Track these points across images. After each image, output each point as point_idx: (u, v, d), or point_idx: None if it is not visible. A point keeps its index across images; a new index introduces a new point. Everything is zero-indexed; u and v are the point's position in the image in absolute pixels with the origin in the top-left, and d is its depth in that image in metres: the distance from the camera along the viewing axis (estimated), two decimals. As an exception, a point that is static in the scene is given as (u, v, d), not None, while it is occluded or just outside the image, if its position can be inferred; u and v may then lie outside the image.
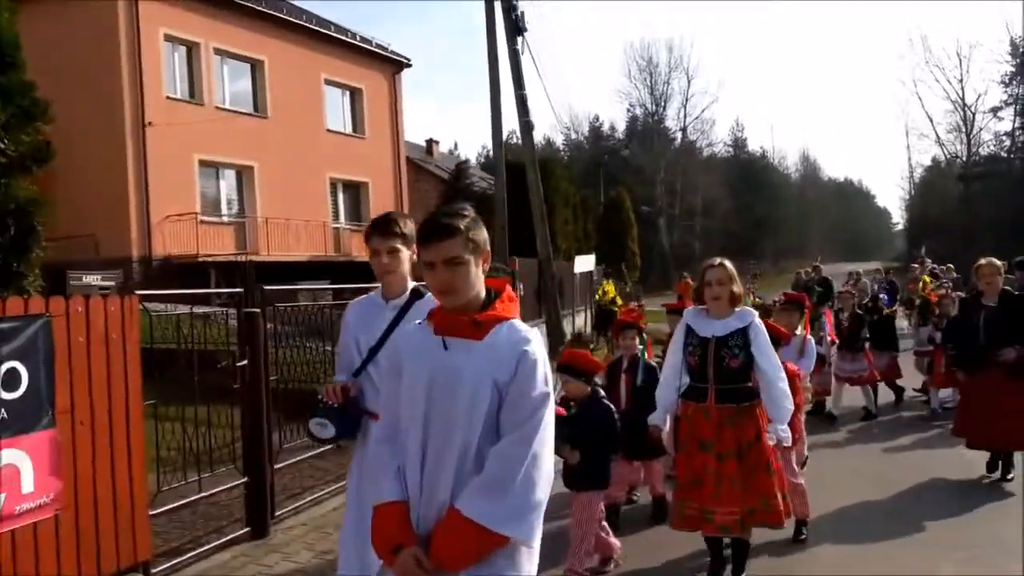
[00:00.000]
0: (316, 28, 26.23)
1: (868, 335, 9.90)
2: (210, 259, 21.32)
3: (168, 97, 21.87)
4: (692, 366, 4.61)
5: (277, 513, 5.85)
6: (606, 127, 67.42)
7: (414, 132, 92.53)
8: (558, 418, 4.42)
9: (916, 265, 17.21)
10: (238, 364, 5.52)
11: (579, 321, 18.18)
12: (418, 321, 2.46)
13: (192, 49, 22.79)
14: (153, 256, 21.23)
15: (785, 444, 4.66)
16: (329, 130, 26.97)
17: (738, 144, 75.15)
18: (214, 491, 5.54)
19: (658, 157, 58.48)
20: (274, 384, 6.14)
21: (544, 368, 2.25)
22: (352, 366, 3.45)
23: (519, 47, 15.97)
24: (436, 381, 2.27)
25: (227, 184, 24.12)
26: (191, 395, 5.69)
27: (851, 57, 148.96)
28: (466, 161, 32.85)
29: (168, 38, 21.95)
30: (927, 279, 12.21)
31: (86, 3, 20.61)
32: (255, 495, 5.57)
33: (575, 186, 30.97)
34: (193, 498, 5.39)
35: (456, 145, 66.27)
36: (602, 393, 4.98)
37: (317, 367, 9.17)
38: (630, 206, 37.05)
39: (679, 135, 64.10)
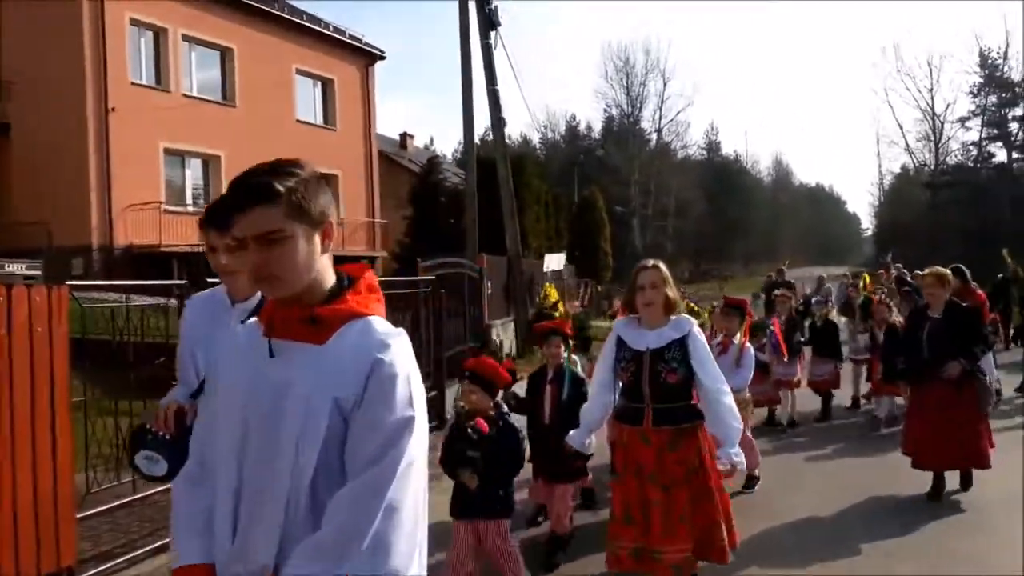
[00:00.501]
0: (288, 17, 25.81)
1: (803, 339, 9.65)
2: (173, 250, 20.85)
3: (133, 83, 21.36)
4: (625, 383, 4.10)
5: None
6: (583, 127, 67.50)
7: (389, 126, 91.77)
8: (468, 439, 4.05)
9: (882, 272, 17.11)
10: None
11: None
12: (251, 319, 1.86)
13: (160, 34, 22.28)
14: (115, 245, 20.72)
15: (740, 469, 4.21)
16: (299, 120, 26.55)
17: (712, 147, 75.60)
18: (151, 492, 5.26)
19: (633, 158, 58.60)
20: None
21: (408, 385, 1.65)
22: (191, 384, 2.79)
23: (492, 42, 15.73)
24: (255, 400, 1.67)
25: (193, 173, 23.65)
26: (131, 390, 5.44)
27: (825, 64, 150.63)
28: (438, 155, 32.53)
29: (134, 22, 21.42)
30: (867, 276, 11.97)
31: (50, -16, 20.10)
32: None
33: (548, 184, 30.81)
34: (128, 499, 5.12)
35: (432, 140, 65.82)
36: (506, 409, 4.46)
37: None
38: (603, 205, 36.95)
39: (654, 136, 64.34)
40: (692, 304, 9.11)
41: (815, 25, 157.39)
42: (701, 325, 6.48)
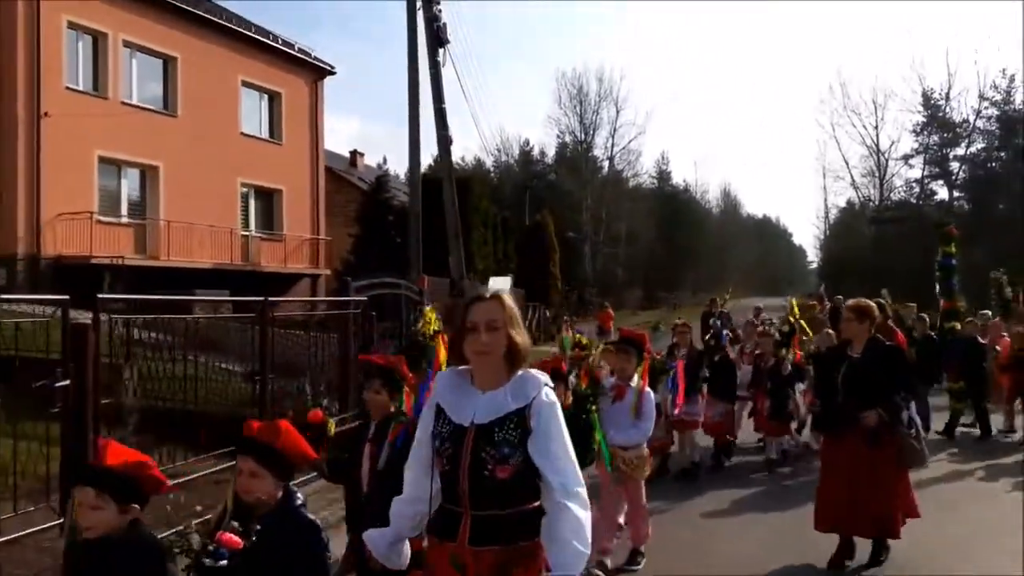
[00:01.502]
0: (235, 28, 25.24)
1: (705, 376, 8.99)
2: (104, 261, 20.01)
3: (69, 88, 20.59)
4: (441, 474, 2.71)
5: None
6: (536, 152, 67.51)
7: (342, 144, 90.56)
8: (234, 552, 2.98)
9: (814, 302, 16.95)
10: (57, 384, 4.75)
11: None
12: None
13: (99, 39, 21.55)
14: (42, 255, 19.82)
15: None
16: (244, 133, 25.92)
17: (663, 176, 76.28)
18: (20, 534, 4.72)
19: (585, 184, 58.80)
20: (137, 403, 5.38)
21: None
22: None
23: (440, 60, 15.45)
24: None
25: (129, 183, 22.84)
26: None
27: (774, 98, 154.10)
28: (386, 173, 32.09)
29: (72, 26, 20.69)
30: (794, 302, 11.08)
31: (-18, -19, 19.33)
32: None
33: (499, 207, 30.52)
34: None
35: (385, 160, 65.05)
36: (299, 500, 3.14)
37: (188, 384, 8.40)
38: (554, 230, 36.79)
39: (606, 164, 64.71)
40: (579, 335, 7.74)
41: (765, 60, 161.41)
42: (582, 365, 5.65)
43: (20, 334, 5.19)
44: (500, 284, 13.86)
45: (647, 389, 5.77)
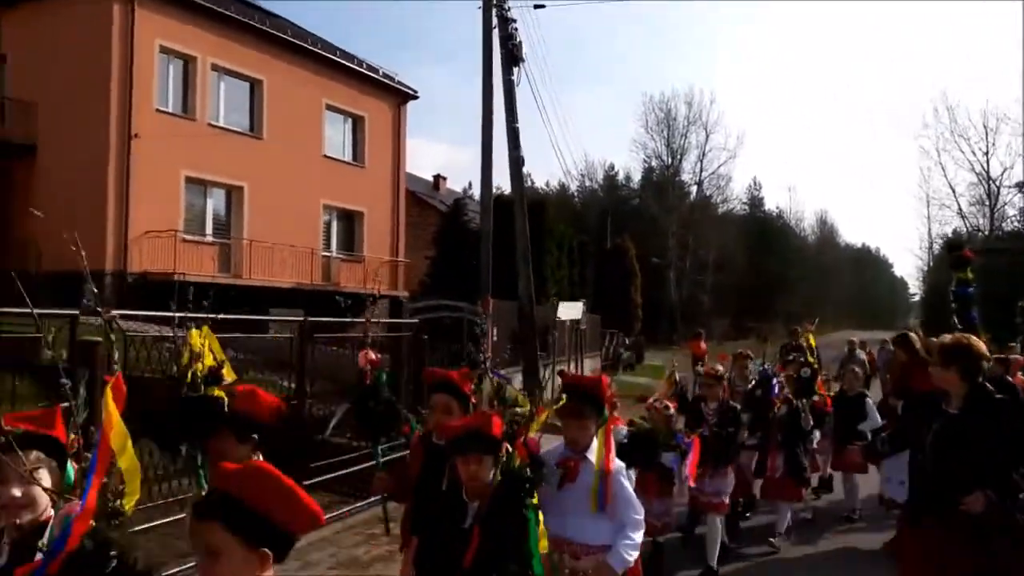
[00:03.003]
0: (321, 52, 25.67)
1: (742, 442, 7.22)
2: (187, 279, 20.40)
3: (159, 110, 21.22)
4: None
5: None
6: (621, 176, 66.82)
7: (425, 167, 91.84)
8: None
9: (914, 336, 14.69)
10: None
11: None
12: None
13: (189, 63, 22.19)
14: (128, 271, 20.36)
15: None
16: (326, 156, 26.26)
17: (754, 203, 74.29)
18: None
19: (672, 209, 57.71)
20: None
21: None
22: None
23: (515, 78, 15.13)
24: None
25: (214, 203, 23.34)
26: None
27: (875, 122, 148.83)
28: (465, 196, 31.99)
29: (164, 50, 21.36)
30: (810, 335, 9.19)
31: (82, 7, 20.14)
32: None
33: (578, 231, 29.90)
34: None
35: (470, 185, 65.51)
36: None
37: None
38: (635, 255, 35.96)
39: (694, 189, 63.44)
40: (515, 390, 4.67)
41: (865, 82, 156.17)
42: (523, 422, 3.93)
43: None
44: (571, 310, 13.33)
45: (614, 466, 3.85)
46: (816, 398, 8.14)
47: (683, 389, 7.87)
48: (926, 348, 8.03)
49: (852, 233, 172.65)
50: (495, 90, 15.49)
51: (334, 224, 27.28)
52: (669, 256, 55.69)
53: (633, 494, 3.86)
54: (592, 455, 3.81)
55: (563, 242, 25.55)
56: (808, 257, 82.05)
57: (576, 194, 61.29)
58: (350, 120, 27.59)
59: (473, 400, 4.06)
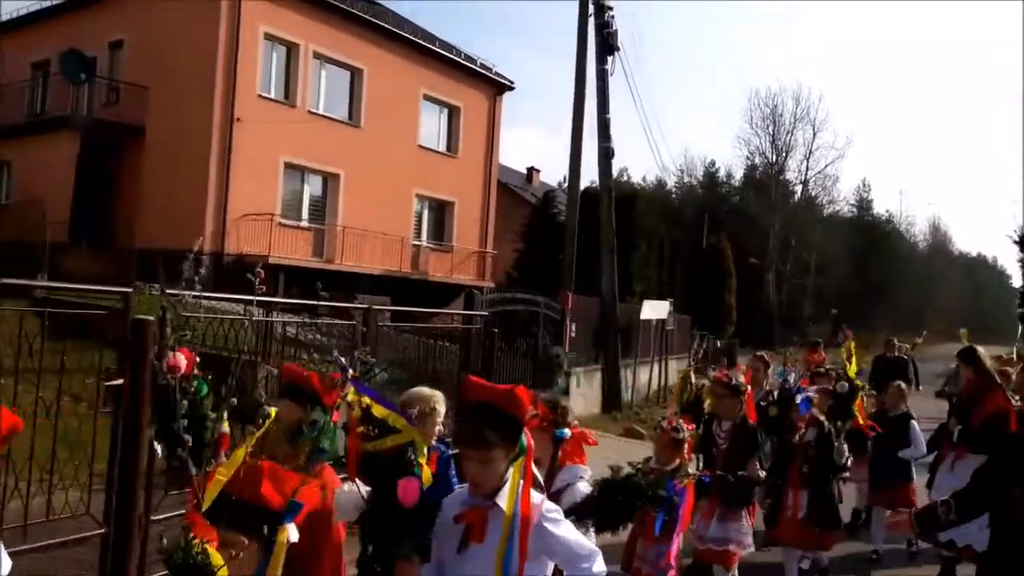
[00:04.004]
0: (420, 42, 25.86)
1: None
2: (281, 262, 20.93)
3: (261, 95, 21.78)
4: None
5: None
6: (722, 173, 65.12)
7: (519, 160, 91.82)
8: None
9: (983, 351, 10.20)
10: (110, 383, 4.47)
11: (643, 375, 16.30)
12: None
13: (292, 50, 22.70)
14: (225, 253, 21.01)
15: None
16: (421, 146, 26.45)
17: (863, 205, 71.22)
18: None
19: (774, 208, 55.80)
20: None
21: None
22: None
23: (608, 67, 14.76)
24: None
25: (311, 189, 23.84)
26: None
27: (994, 124, 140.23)
28: (555, 189, 31.71)
29: (268, 36, 21.90)
30: (852, 345, 6.99)
31: (192, -6, 20.85)
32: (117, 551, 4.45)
33: (673, 228, 29.15)
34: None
35: (565, 179, 65.24)
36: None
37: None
38: (731, 255, 34.91)
39: (799, 188, 61.23)
40: (386, 411, 3.05)
41: (984, 81, 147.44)
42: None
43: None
44: (656, 309, 12.86)
45: (538, 511, 2.71)
46: (859, 420, 6.57)
47: (696, 399, 6.34)
48: (1001, 370, 6.81)
49: (967, 241, 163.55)
50: (588, 80, 15.20)
51: (425, 213, 27.50)
52: (769, 257, 53.94)
53: (576, 533, 2.85)
54: (504, 500, 2.64)
55: (653, 239, 24.95)
56: (917, 264, 78.18)
57: (674, 190, 60.03)
58: (446, 110, 27.72)
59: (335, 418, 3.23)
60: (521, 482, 2.65)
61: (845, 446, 5.89)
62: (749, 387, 5.61)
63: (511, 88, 29.68)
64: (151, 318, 4.68)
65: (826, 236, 59.93)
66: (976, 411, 6.13)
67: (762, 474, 5.36)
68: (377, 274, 23.16)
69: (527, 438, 2.73)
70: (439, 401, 3.90)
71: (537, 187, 38.63)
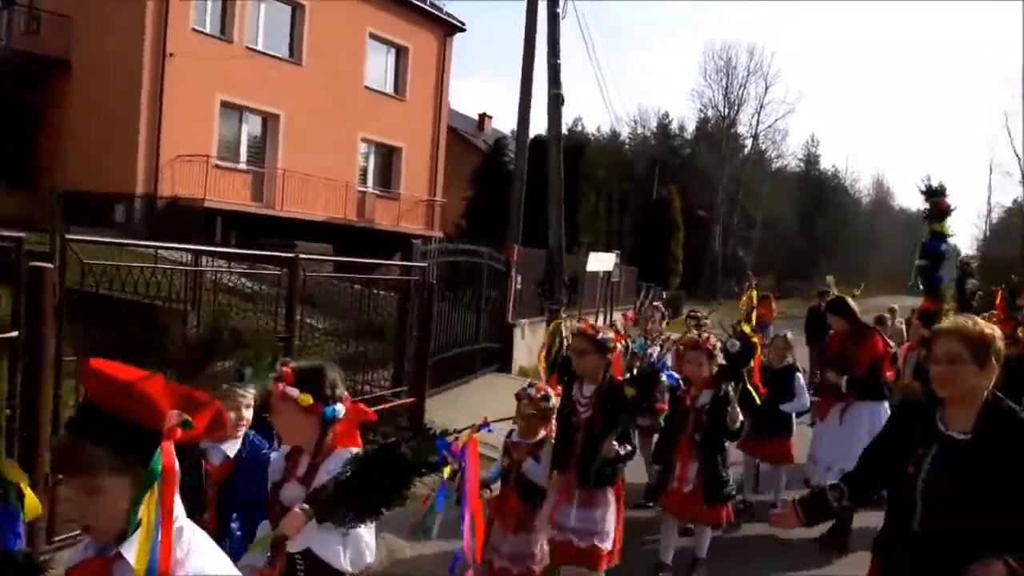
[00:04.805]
0: (366, -23, 24.74)
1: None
2: (217, 206, 20.10)
3: (195, 29, 20.64)
4: None
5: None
6: (675, 125, 64.90)
7: (470, 106, 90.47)
8: None
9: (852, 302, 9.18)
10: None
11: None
12: None
13: (228, -18, 21.50)
14: (159, 195, 20.08)
15: None
16: (367, 87, 25.53)
17: (810, 160, 71.86)
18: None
19: (724, 162, 56.01)
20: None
21: None
22: None
23: (560, 11, 14.19)
24: None
25: (250, 129, 22.87)
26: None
27: (941, 83, 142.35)
28: (506, 136, 31.06)
29: (201, -32, 20.68)
30: (754, 294, 6.17)
31: (119, -80, 19.49)
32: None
33: (625, 180, 28.80)
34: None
35: (518, 126, 64.21)
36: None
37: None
38: (679, 207, 34.86)
39: (749, 142, 61.48)
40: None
41: (932, 41, 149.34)
42: None
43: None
44: (602, 261, 12.55)
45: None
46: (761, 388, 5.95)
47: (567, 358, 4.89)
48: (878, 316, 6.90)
49: (909, 197, 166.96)
50: (539, 24, 14.63)
51: (372, 158, 26.70)
52: (717, 210, 54.26)
53: None
54: (131, 551, 1.74)
55: (603, 189, 24.58)
56: (860, 220, 79.59)
57: (627, 141, 59.72)
58: (393, 50, 26.74)
59: None
60: (158, 522, 1.71)
61: (737, 409, 5.12)
62: (619, 344, 4.53)
63: (462, 29, 28.75)
64: (49, 265, 4.21)
65: (773, 190, 60.48)
66: (858, 359, 6.15)
67: (629, 449, 4.27)
68: (320, 221, 22.45)
69: (165, 456, 1.75)
70: None
71: (489, 134, 37.86)
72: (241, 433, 3.17)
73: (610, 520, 4.31)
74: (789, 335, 7.26)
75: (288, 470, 2.81)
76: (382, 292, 8.80)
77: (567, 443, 4.32)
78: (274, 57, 22.73)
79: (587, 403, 4.34)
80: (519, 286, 12.34)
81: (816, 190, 67.91)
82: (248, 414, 3.15)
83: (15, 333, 4.10)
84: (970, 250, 76.78)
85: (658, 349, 5.39)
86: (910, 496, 2.71)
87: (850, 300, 6.52)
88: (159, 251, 8.42)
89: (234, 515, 3.08)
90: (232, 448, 3.14)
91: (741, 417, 5.09)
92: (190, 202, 19.82)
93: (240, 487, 3.03)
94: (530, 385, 4.44)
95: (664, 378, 4.49)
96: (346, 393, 2.82)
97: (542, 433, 4.38)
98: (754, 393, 5.61)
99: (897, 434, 2.96)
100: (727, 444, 5.25)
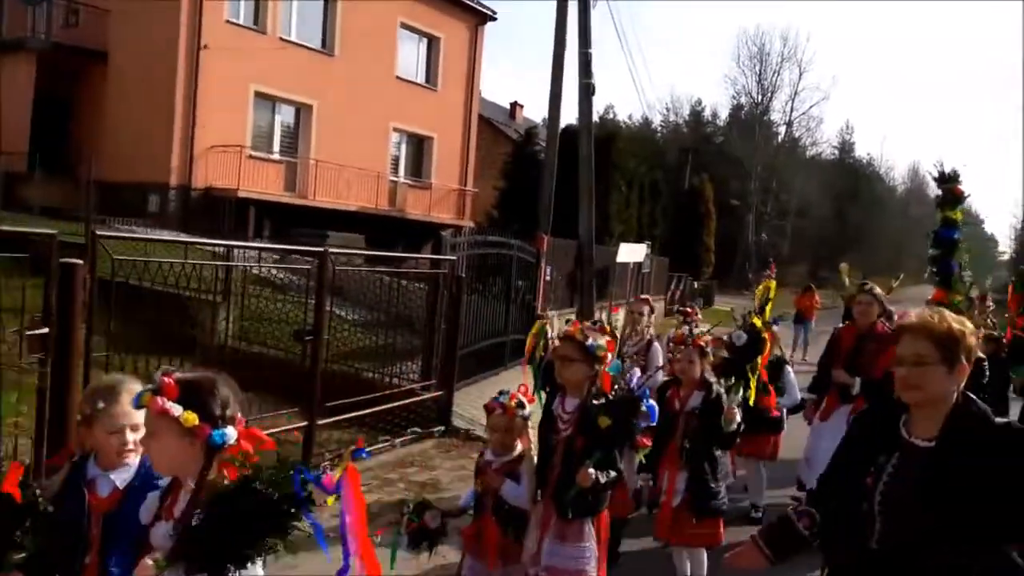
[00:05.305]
0: (397, -33, 24.75)
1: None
2: (251, 196, 20.34)
3: (229, 21, 20.81)
4: None
5: None
6: (708, 113, 64.23)
7: (502, 95, 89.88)
8: None
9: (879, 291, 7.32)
10: (29, 332, 4.09)
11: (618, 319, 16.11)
12: None
13: (261, -26, 21.64)
14: (193, 186, 20.35)
15: None
16: (399, 77, 25.59)
17: (845, 148, 70.73)
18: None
19: (757, 149, 55.34)
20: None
21: None
22: None
23: (591, 1, 14.11)
24: None
25: (283, 120, 23.05)
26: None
27: (978, 71, 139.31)
28: (537, 126, 30.97)
29: (236, -41, 20.83)
30: (771, 284, 6.19)
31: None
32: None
33: (656, 169, 28.52)
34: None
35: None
36: None
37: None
38: (712, 196, 34.53)
39: (783, 129, 60.68)
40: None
41: (970, 29, 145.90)
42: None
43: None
44: (633, 252, 12.47)
45: None
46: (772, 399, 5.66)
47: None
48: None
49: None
50: (570, 12, 14.56)
51: (403, 148, 26.79)
52: (750, 199, 53.65)
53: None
54: None
55: (634, 179, 24.40)
56: (895, 208, 78.20)
57: (659, 129, 59.20)
58: (425, 40, 26.76)
59: None
60: None
61: (735, 411, 4.56)
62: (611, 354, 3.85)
63: (494, 18, 28.68)
64: (79, 261, 4.30)
65: (807, 178, 59.67)
66: (877, 360, 5.46)
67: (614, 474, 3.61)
68: (352, 210, 22.61)
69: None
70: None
71: (520, 123, 37.79)
72: (131, 460, 2.70)
73: (589, 558, 3.62)
74: (775, 327, 6.50)
75: (165, 507, 2.28)
76: (413, 284, 8.87)
77: (544, 465, 3.72)
78: (307, 48, 22.86)
79: (569, 419, 3.67)
80: (549, 277, 12.34)
81: (851, 178, 66.87)
82: (133, 437, 2.65)
83: (46, 329, 4.18)
84: (1008, 239, 75.32)
85: (638, 372, 4.81)
86: (868, 511, 2.45)
87: (878, 290, 6.05)
88: (191, 244, 8.57)
89: (113, 554, 2.61)
90: (121, 477, 2.69)
91: (739, 419, 4.51)
92: (224, 192, 20.07)
93: (124, 520, 2.54)
94: (501, 393, 3.84)
95: (644, 408, 3.67)
96: (239, 413, 2.27)
97: (519, 447, 3.78)
98: (751, 393, 4.98)
99: (858, 443, 2.63)
100: (719, 453, 4.62)
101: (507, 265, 10.27)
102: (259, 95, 21.78)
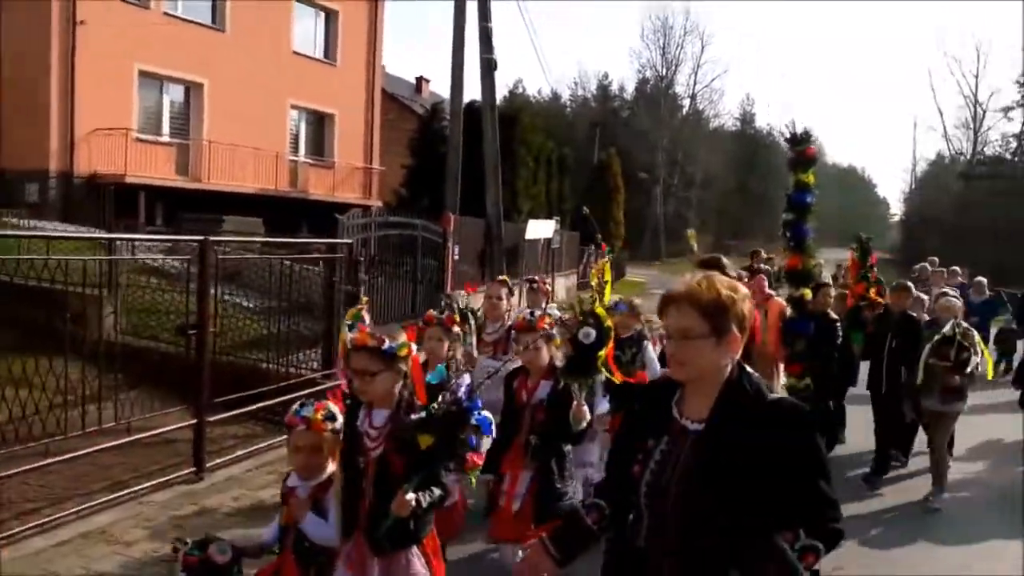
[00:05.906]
0: (289, -62, 23.71)
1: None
2: (140, 181, 19.18)
3: (107, -5, 19.47)
4: None
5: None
6: (615, 87, 64.67)
7: (407, 69, 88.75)
8: None
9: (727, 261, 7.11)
10: None
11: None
12: None
13: (141, -56, 20.32)
14: (75, 173, 19.06)
15: None
16: (296, 52, 24.60)
17: (746, 119, 72.58)
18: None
19: (663, 123, 56.15)
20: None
21: None
22: None
23: (490, -29, 13.70)
24: None
25: (171, 100, 21.85)
26: None
27: (867, 41, 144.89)
28: (443, 101, 30.38)
29: (112, -73, 19.46)
30: (605, 264, 4.90)
31: None
32: None
33: (552, 142, 28.13)
34: None
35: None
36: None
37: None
38: (619, 170, 34.75)
39: (687, 102, 61.75)
40: None
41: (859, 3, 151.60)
42: None
43: None
44: (541, 228, 12.21)
45: None
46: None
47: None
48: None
49: (839, 153, 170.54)
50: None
51: (303, 126, 25.85)
52: (657, 171, 54.43)
53: None
54: None
55: (541, 155, 24.18)
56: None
57: (568, 104, 59.32)
58: (322, 14, 25.81)
59: None
60: None
61: (605, 404, 4.22)
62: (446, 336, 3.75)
63: (392, -8, 27.91)
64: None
65: (710, 150, 60.96)
66: None
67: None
68: (250, 193, 21.67)
69: None
70: None
71: (427, 98, 37.02)
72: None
73: None
74: (637, 300, 5.98)
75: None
76: (310, 268, 8.41)
77: (352, 493, 3.01)
78: (195, 23, 21.67)
79: (378, 435, 3.00)
80: (456, 256, 12.01)
81: (750, 149, 68.68)
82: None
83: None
84: (898, 202, 78.87)
85: (467, 379, 3.66)
86: (637, 503, 2.15)
87: (723, 259, 5.49)
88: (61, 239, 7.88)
89: None
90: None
91: (589, 416, 3.98)
92: (110, 178, 18.86)
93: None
94: (303, 404, 3.21)
95: (474, 420, 2.96)
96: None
97: (329, 469, 3.15)
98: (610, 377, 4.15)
99: (633, 427, 2.31)
100: (568, 449, 4.11)
101: (412, 245, 9.89)
102: (144, 74, 20.54)
